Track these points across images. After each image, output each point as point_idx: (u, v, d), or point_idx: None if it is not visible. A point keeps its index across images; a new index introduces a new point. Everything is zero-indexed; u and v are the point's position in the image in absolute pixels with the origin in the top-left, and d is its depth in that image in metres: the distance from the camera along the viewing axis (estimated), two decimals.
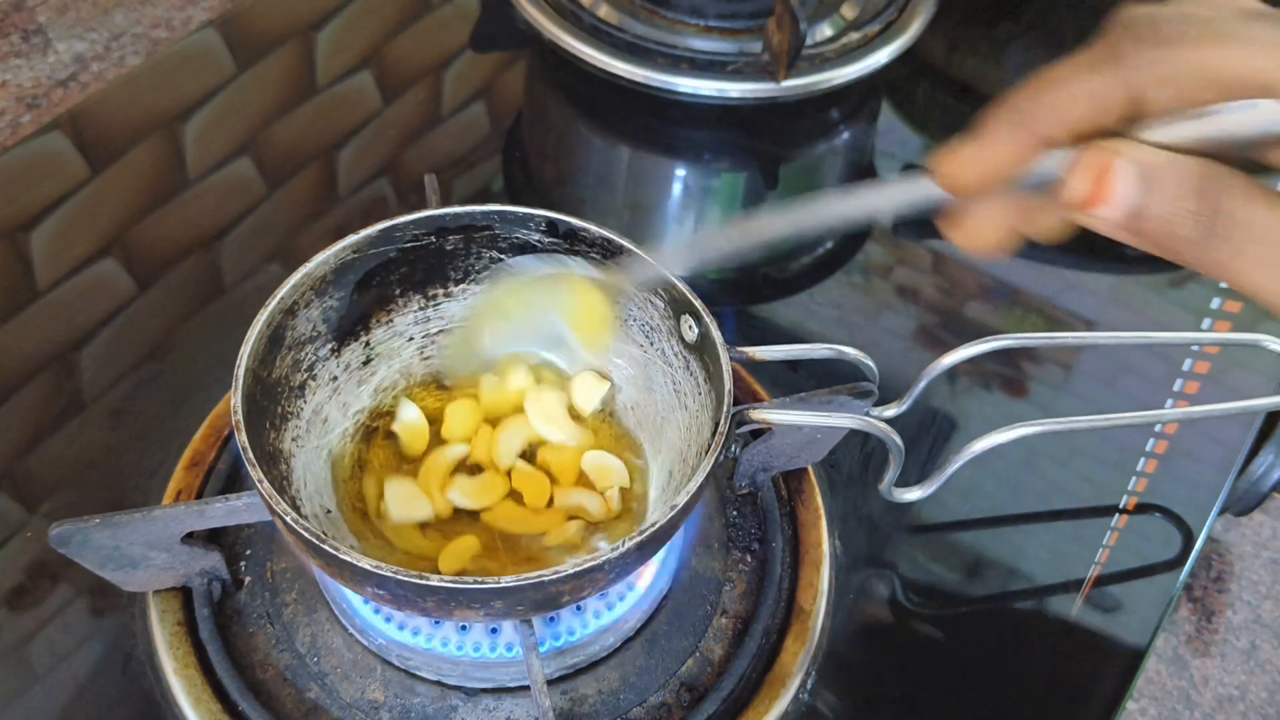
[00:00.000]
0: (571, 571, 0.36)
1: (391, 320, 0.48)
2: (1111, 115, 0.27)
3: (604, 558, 0.36)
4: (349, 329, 0.47)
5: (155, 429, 0.53)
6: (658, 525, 0.37)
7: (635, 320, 0.48)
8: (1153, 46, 0.26)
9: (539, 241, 0.47)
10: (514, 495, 0.46)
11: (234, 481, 0.50)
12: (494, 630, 0.44)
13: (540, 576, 0.36)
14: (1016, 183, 0.29)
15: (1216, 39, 0.26)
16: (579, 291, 0.45)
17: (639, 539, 0.37)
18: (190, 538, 0.43)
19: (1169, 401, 0.60)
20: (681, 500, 0.38)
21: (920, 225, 0.69)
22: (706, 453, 0.40)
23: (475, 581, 0.35)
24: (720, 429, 0.40)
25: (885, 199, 0.31)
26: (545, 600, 0.38)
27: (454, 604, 0.37)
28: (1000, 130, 0.28)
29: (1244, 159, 0.27)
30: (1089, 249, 0.69)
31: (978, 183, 0.29)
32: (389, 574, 0.35)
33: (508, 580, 0.36)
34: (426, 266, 0.48)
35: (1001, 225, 0.31)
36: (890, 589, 0.51)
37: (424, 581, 0.35)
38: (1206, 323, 0.64)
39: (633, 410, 0.49)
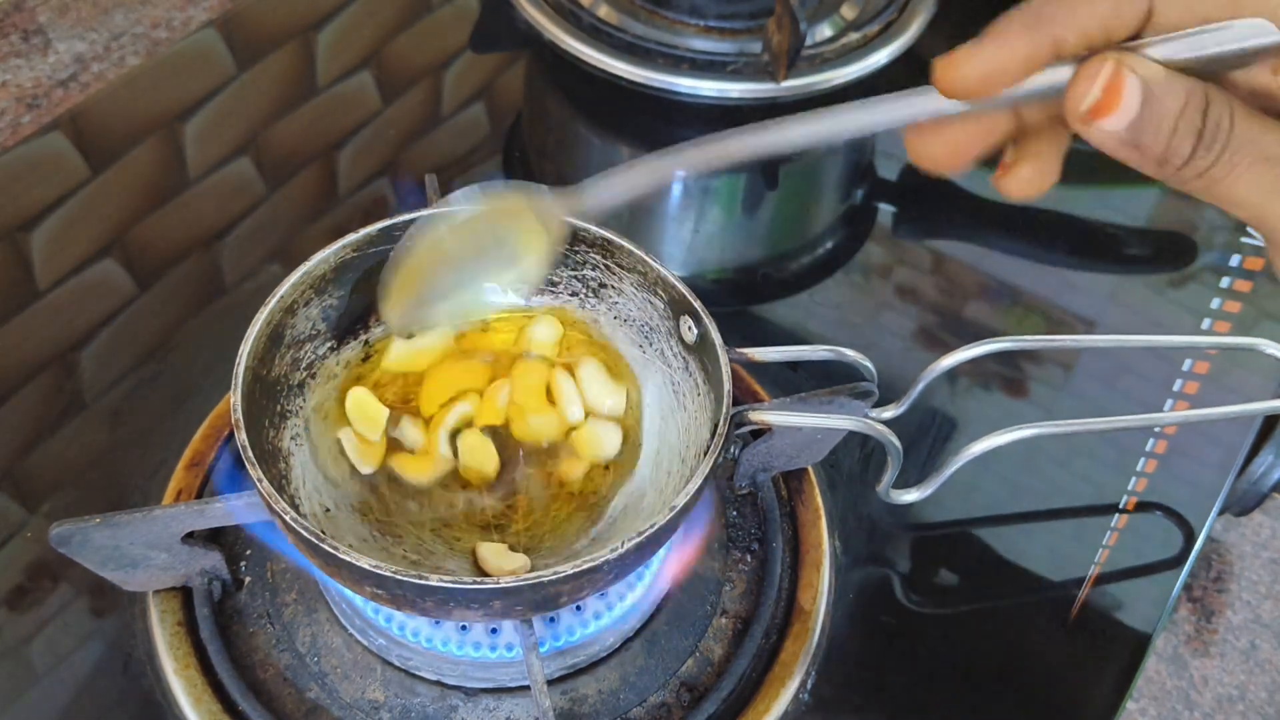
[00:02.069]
0: (571, 572, 0.36)
1: None
2: (1126, 26, 0.28)
3: (603, 558, 0.36)
4: (348, 327, 0.47)
5: (155, 429, 0.53)
6: (657, 526, 0.37)
7: (635, 321, 0.48)
8: None
9: None
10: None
11: (234, 481, 0.50)
12: (494, 630, 0.44)
13: (539, 577, 0.36)
14: (1016, 93, 0.29)
15: None
16: (504, 219, 0.42)
17: (638, 540, 0.37)
18: (190, 537, 0.43)
19: (1169, 402, 0.60)
20: (681, 501, 0.38)
21: (921, 225, 0.69)
22: (706, 454, 0.40)
23: (474, 582, 0.36)
24: (719, 430, 0.40)
25: (881, 113, 0.32)
26: (544, 600, 0.38)
27: (453, 604, 0.37)
28: (1014, 31, 0.28)
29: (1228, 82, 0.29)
30: (1089, 249, 0.69)
31: (984, 84, 0.29)
32: (388, 574, 0.35)
33: (507, 581, 0.36)
34: None
35: (973, 146, 0.32)
36: (890, 589, 0.51)
37: (423, 581, 0.35)
38: (1207, 323, 0.64)
39: (632, 410, 0.49)
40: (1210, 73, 0.28)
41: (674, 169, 0.36)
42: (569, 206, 0.38)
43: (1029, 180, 0.33)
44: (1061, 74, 0.29)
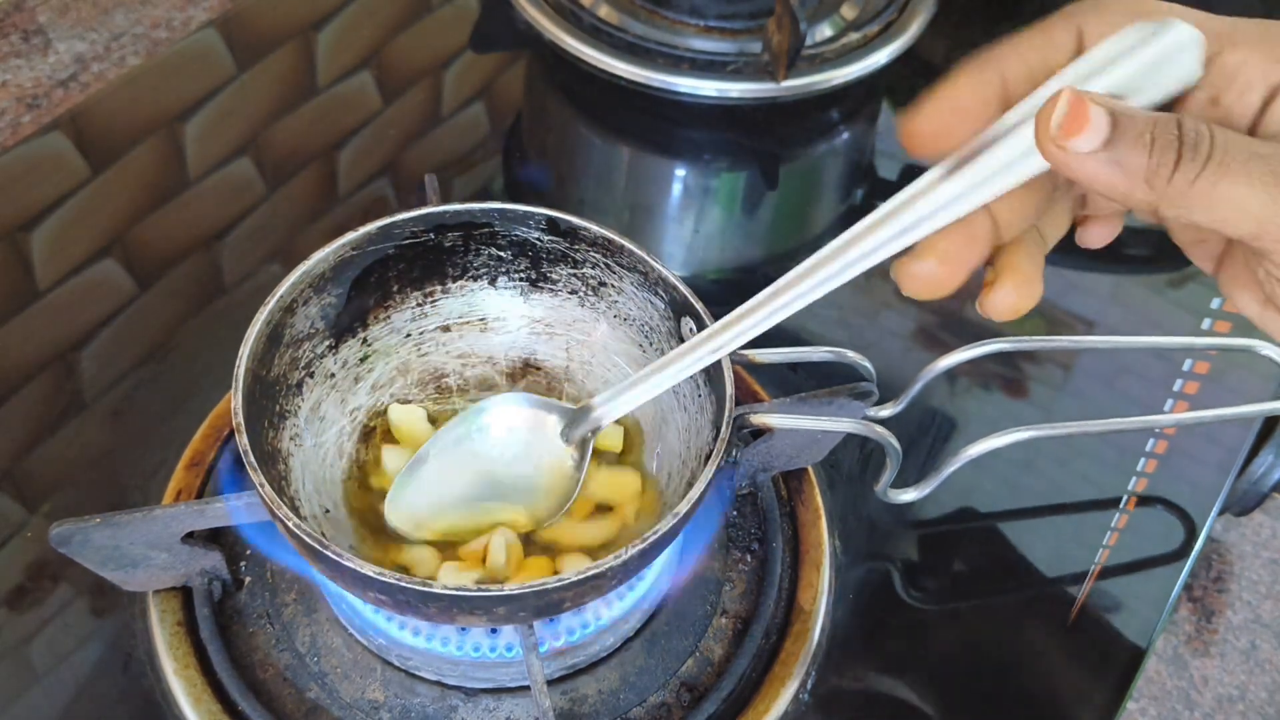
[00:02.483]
0: (575, 579, 0.36)
1: (389, 317, 0.48)
2: (1062, 51, 0.31)
3: (606, 565, 0.36)
4: (347, 326, 0.47)
5: (155, 429, 0.53)
6: (660, 532, 0.37)
7: (635, 321, 0.48)
8: (1095, 3, 0.31)
9: (539, 239, 0.47)
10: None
11: (234, 481, 0.50)
12: (494, 630, 0.44)
13: (544, 584, 0.36)
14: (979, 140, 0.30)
15: None
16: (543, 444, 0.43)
17: (641, 546, 0.37)
18: (190, 537, 0.43)
19: (1169, 402, 0.59)
20: (684, 507, 0.38)
21: None
22: (709, 458, 0.39)
23: (479, 589, 0.35)
24: (722, 434, 0.40)
25: (854, 256, 0.33)
26: (548, 606, 0.38)
27: (456, 610, 0.37)
28: (961, 74, 0.31)
29: None
30: (1089, 249, 0.69)
31: (944, 131, 0.30)
32: (392, 580, 0.35)
33: (511, 588, 0.36)
34: (425, 264, 0.48)
35: (961, 261, 0.32)
36: (890, 588, 0.51)
37: (427, 589, 0.35)
38: (1207, 323, 0.64)
39: (631, 412, 0.48)
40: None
41: (681, 373, 0.39)
42: (591, 422, 0.41)
43: (1014, 295, 0.33)
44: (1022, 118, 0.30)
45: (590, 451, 0.43)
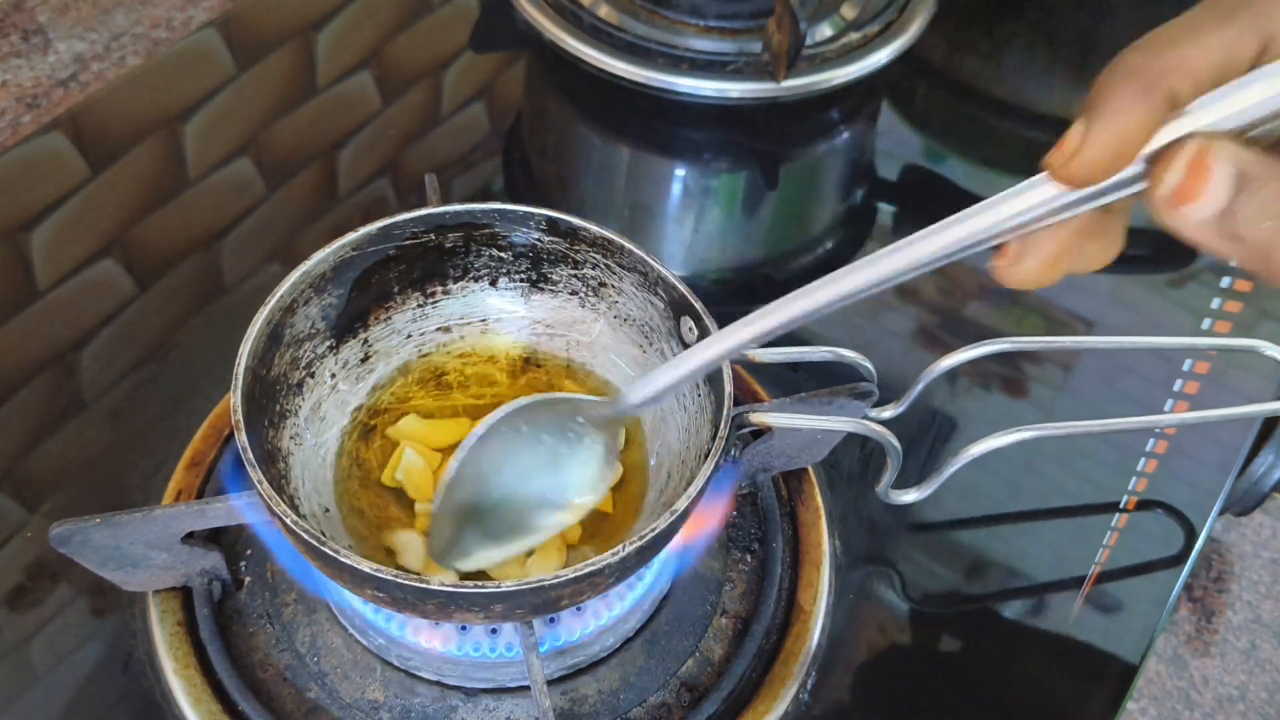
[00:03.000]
0: (571, 576, 0.36)
1: (390, 318, 0.48)
2: (1242, 60, 0.25)
3: (604, 562, 0.36)
4: (347, 326, 0.47)
5: (155, 429, 0.53)
6: (658, 530, 0.37)
7: (635, 321, 0.48)
8: None
9: (539, 240, 0.47)
10: None
11: (235, 481, 0.50)
12: (494, 630, 0.44)
13: (540, 581, 0.36)
14: (1106, 189, 0.26)
15: None
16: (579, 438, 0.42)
17: (639, 544, 0.37)
18: (190, 537, 0.43)
19: (1169, 402, 0.59)
20: (682, 505, 0.38)
21: (920, 225, 0.69)
22: (707, 456, 0.39)
23: (475, 586, 0.35)
24: (720, 433, 0.40)
25: (984, 223, 0.29)
26: (545, 604, 0.38)
27: (453, 607, 0.37)
28: (1125, 96, 0.25)
29: None
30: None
31: (1113, 163, 0.26)
32: (389, 577, 0.35)
33: (508, 585, 0.36)
34: (425, 264, 0.48)
35: (1061, 254, 0.29)
36: (890, 589, 0.51)
37: (424, 585, 0.35)
38: (1207, 323, 0.64)
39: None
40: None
41: (716, 357, 0.36)
42: (619, 410, 0.39)
43: (1098, 255, 0.29)
44: (1140, 165, 0.26)
45: (622, 439, 0.42)
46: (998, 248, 0.30)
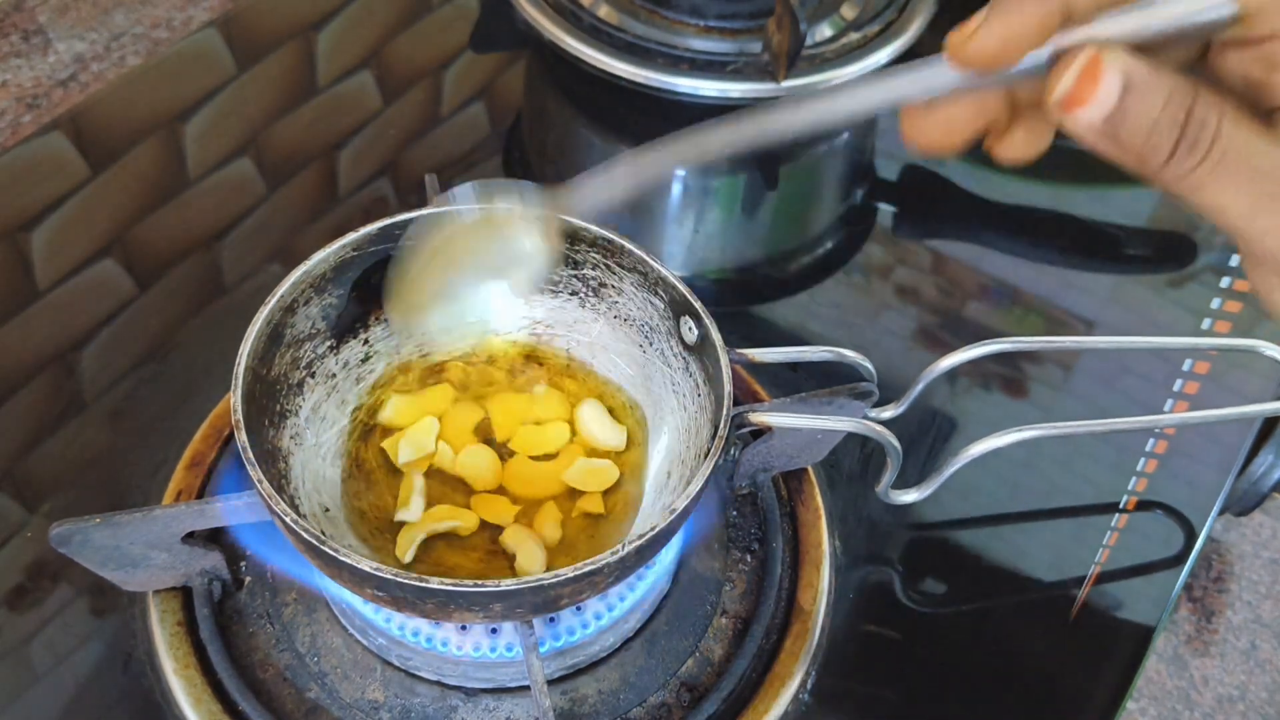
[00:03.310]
0: (571, 575, 0.36)
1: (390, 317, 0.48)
2: None
3: (603, 561, 0.36)
4: (348, 326, 0.47)
5: (155, 429, 0.53)
6: (657, 529, 0.37)
7: (635, 321, 0.48)
8: None
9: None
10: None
11: (235, 481, 0.50)
12: (494, 630, 0.44)
13: (540, 580, 0.36)
14: (1010, 71, 0.29)
15: None
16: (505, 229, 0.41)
17: (638, 543, 0.37)
18: (190, 537, 0.43)
19: (1169, 402, 0.59)
20: (681, 504, 0.38)
21: (921, 225, 0.69)
22: (706, 456, 0.40)
23: (474, 585, 0.35)
24: (720, 432, 0.40)
25: (878, 92, 0.31)
26: (545, 603, 0.38)
27: (453, 606, 0.37)
28: None
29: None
30: (1089, 249, 0.69)
31: (1000, 54, 0.28)
32: (389, 576, 0.35)
33: (507, 583, 0.36)
34: None
35: (969, 125, 0.31)
36: (890, 589, 0.51)
37: (424, 584, 0.35)
38: (1207, 323, 0.64)
39: (631, 410, 0.49)
40: (1179, 51, 0.28)
41: (665, 163, 0.35)
42: (562, 206, 0.38)
43: (1022, 144, 0.32)
44: (1043, 54, 0.28)
45: (560, 237, 0.41)
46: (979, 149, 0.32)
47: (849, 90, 0.31)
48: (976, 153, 0.33)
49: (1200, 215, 0.28)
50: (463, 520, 0.44)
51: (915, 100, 0.31)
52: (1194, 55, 0.29)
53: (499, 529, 0.45)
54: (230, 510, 0.41)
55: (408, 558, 0.43)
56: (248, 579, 0.47)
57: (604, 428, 0.47)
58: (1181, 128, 0.26)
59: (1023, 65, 0.28)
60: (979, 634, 0.50)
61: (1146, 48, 0.27)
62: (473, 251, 0.41)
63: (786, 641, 0.47)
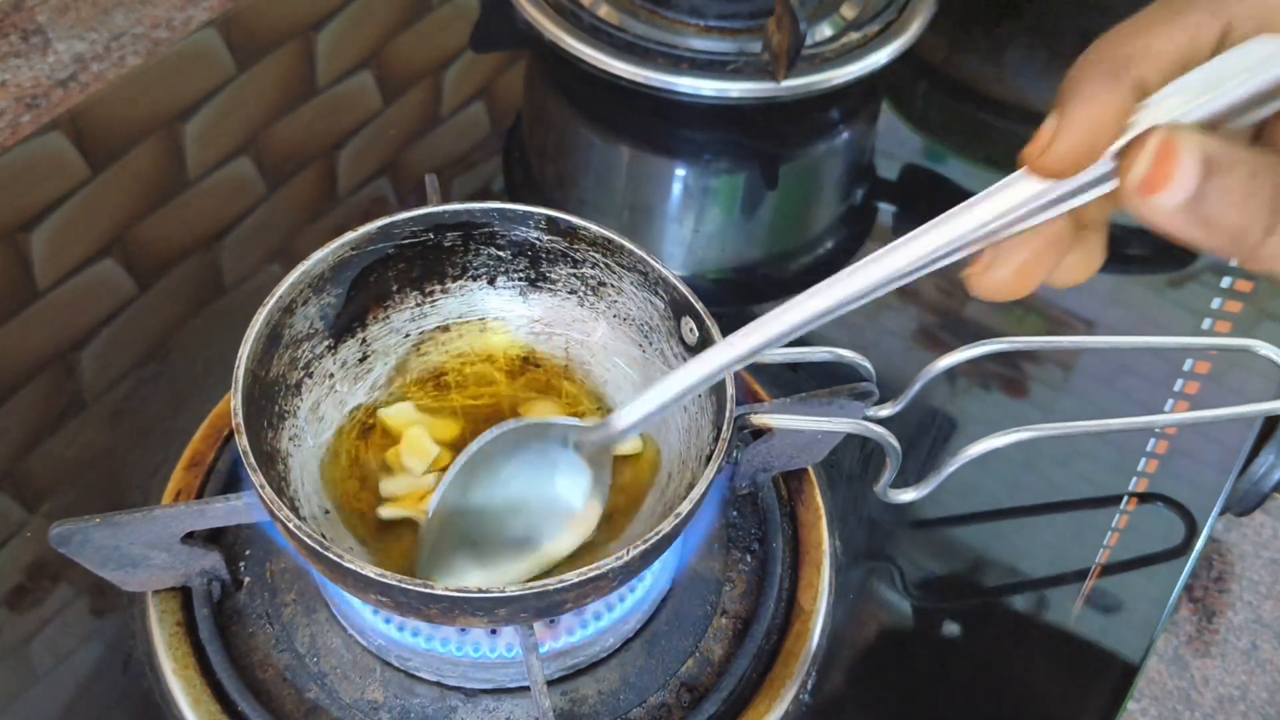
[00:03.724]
0: (575, 580, 0.36)
1: (389, 317, 0.48)
2: (1205, 47, 0.26)
3: (608, 566, 0.36)
4: (346, 326, 0.47)
5: (155, 429, 0.53)
6: (662, 533, 0.37)
7: (634, 321, 0.48)
8: None
9: (538, 239, 0.47)
10: None
11: (234, 481, 0.50)
12: (494, 631, 0.44)
13: (544, 585, 0.36)
14: (1078, 189, 0.27)
15: None
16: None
17: (643, 547, 0.37)
18: (190, 538, 0.43)
19: (1169, 402, 0.59)
20: (685, 508, 0.38)
21: (920, 225, 0.69)
22: (709, 459, 0.39)
23: (479, 591, 0.35)
24: (723, 435, 0.40)
25: (962, 228, 0.29)
26: (549, 607, 0.38)
27: (457, 611, 0.37)
28: (1094, 84, 0.26)
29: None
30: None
31: (1087, 152, 0.26)
32: (394, 582, 0.35)
33: (512, 589, 0.35)
34: (424, 264, 0.48)
35: (1033, 263, 0.29)
36: (891, 588, 0.51)
37: (428, 590, 0.35)
38: (1207, 323, 0.64)
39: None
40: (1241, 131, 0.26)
41: (705, 377, 0.36)
42: (608, 437, 0.39)
43: (1077, 266, 0.30)
44: (1109, 164, 0.26)
45: (611, 465, 0.42)
46: (971, 258, 0.30)
47: (916, 237, 0.30)
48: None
49: None
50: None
51: (987, 233, 0.29)
52: (1250, 135, 0.27)
53: None
54: (230, 510, 0.41)
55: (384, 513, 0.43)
56: (247, 579, 0.47)
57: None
58: (1274, 200, 0.24)
59: (1093, 172, 0.27)
60: (979, 634, 0.50)
61: (1215, 126, 0.26)
62: (517, 496, 0.41)
63: (786, 641, 0.47)
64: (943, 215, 0.29)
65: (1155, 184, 0.25)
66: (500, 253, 0.48)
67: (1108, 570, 0.52)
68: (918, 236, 0.30)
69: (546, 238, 0.47)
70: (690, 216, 0.71)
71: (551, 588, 0.36)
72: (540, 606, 0.37)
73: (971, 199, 0.29)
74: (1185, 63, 0.26)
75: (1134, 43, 0.26)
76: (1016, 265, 0.29)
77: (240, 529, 0.48)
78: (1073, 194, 0.27)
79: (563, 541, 0.42)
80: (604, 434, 0.40)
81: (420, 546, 0.41)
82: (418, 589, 0.35)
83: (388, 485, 0.45)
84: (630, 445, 0.47)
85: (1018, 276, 0.29)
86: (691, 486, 0.39)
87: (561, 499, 0.42)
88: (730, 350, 0.36)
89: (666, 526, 0.37)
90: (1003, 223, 0.28)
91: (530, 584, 0.36)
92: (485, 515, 0.42)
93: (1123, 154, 0.26)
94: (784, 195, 0.72)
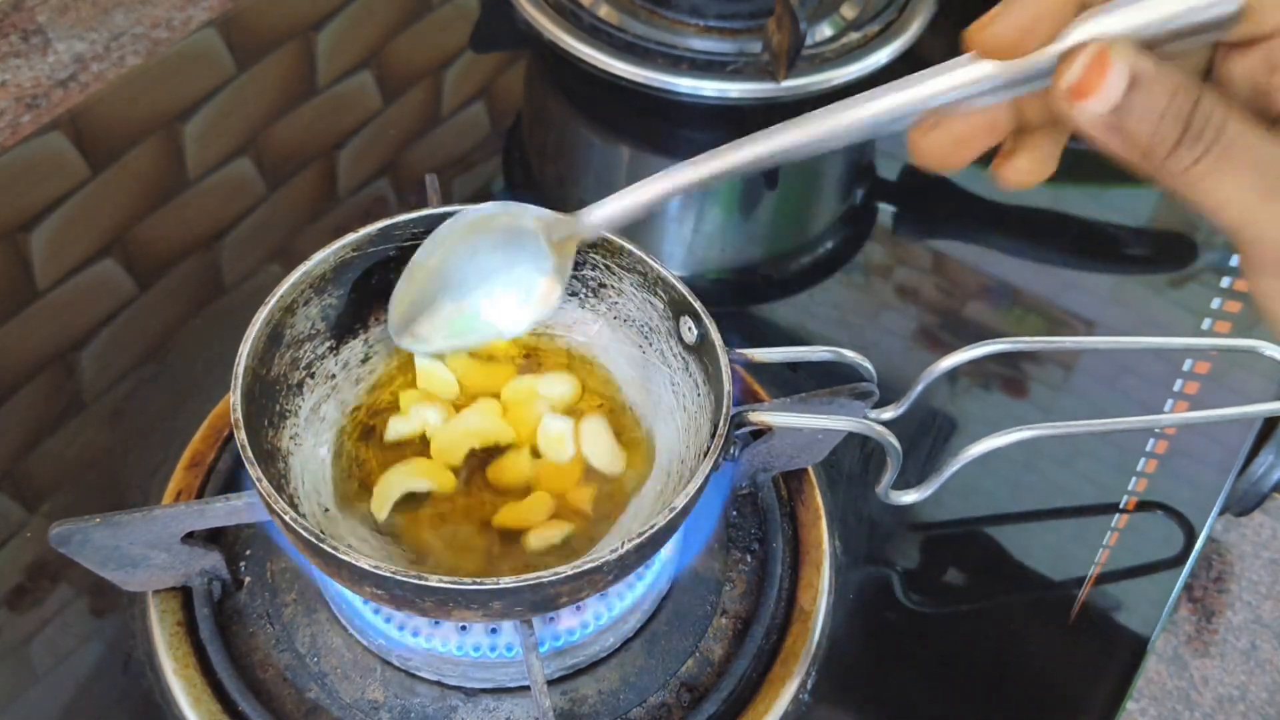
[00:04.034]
0: (570, 573, 0.36)
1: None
2: None
3: (603, 559, 0.36)
4: (348, 327, 0.47)
5: (155, 429, 0.53)
6: (656, 528, 0.37)
7: (634, 322, 0.48)
8: None
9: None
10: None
11: (234, 481, 0.50)
12: (494, 630, 0.44)
13: (539, 578, 0.36)
14: (1023, 73, 0.29)
15: None
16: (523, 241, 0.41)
17: (637, 541, 0.37)
18: (190, 537, 0.43)
19: (1169, 402, 0.59)
20: (680, 502, 0.38)
21: (921, 225, 0.69)
22: (705, 455, 0.40)
23: (474, 582, 0.36)
24: (720, 431, 0.40)
25: (890, 102, 0.31)
26: (543, 601, 0.38)
27: (452, 604, 0.37)
28: None
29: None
30: (1089, 249, 0.69)
31: (1022, 37, 0.28)
32: (388, 574, 0.35)
33: (506, 581, 0.36)
34: None
35: (977, 140, 0.32)
36: (890, 589, 0.51)
37: (422, 582, 0.35)
38: (1207, 323, 0.64)
39: (630, 410, 0.49)
40: (1187, 58, 0.28)
41: (675, 187, 0.37)
42: (576, 228, 0.39)
43: (1027, 169, 0.33)
44: (1052, 51, 0.28)
45: (573, 255, 0.42)
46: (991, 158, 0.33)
47: (865, 100, 0.31)
48: None
49: (1201, 212, 0.28)
50: (438, 480, 0.44)
51: (931, 108, 0.31)
52: (1200, 64, 0.30)
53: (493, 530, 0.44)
54: (230, 510, 0.41)
55: (383, 514, 0.43)
56: (247, 579, 0.47)
57: (604, 451, 0.47)
58: (1187, 120, 0.26)
59: (1035, 65, 0.29)
60: (979, 634, 0.50)
61: (1154, 48, 0.27)
62: (480, 264, 0.42)
63: (786, 641, 0.47)
64: (891, 84, 0.31)
65: (1084, 89, 0.27)
66: None
67: (1107, 570, 0.52)
68: (870, 99, 0.31)
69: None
70: (690, 216, 0.71)
71: (546, 580, 0.36)
72: (535, 600, 0.37)
73: (917, 74, 0.31)
74: None
75: None
76: (955, 133, 0.31)
77: (240, 529, 0.48)
78: (1010, 85, 0.29)
79: (522, 315, 0.42)
80: (575, 227, 0.39)
81: (392, 303, 0.42)
82: (412, 581, 0.35)
83: (396, 424, 0.46)
84: (612, 466, 0.46)
85: (955, 143, 0.32)
86: (688, 483, 0.39)
87: (525, 278, 0.42)
88: (700, 165, 0.37)
89: (661, 520, 0.37)
90: (946, 100, 0.30)
91: (524, 576, 0.36)
92: (451, 283, 0.42)
93: (1061, 59, 0.28)
94: (784, 195, 0.72)
